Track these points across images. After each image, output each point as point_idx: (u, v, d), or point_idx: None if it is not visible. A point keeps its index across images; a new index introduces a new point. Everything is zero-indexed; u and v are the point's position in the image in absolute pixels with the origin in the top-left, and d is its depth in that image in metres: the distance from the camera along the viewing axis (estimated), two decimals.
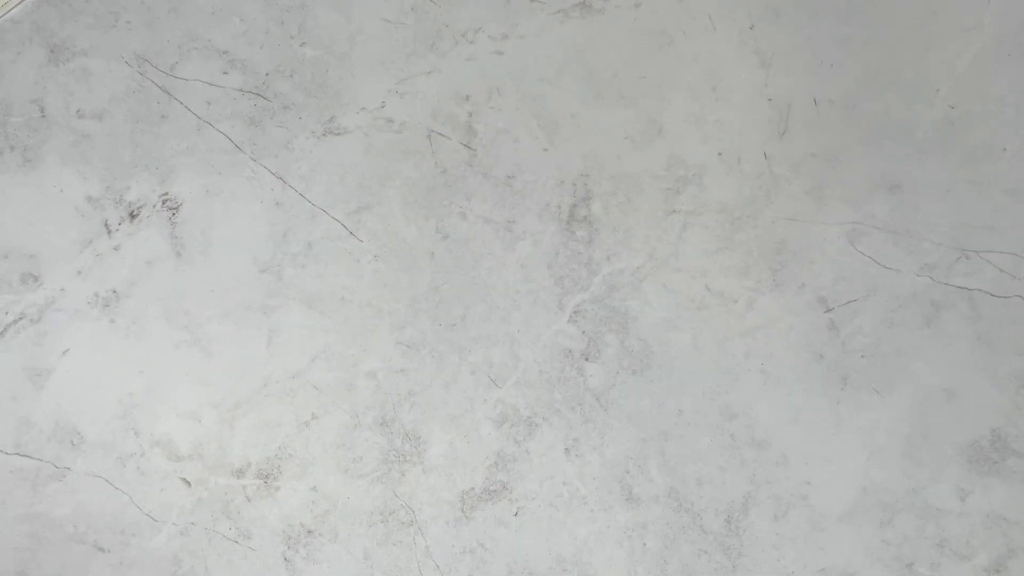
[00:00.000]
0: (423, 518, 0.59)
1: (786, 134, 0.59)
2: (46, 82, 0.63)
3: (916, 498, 0.56)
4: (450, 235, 0.61)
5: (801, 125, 0.59)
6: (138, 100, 0.63)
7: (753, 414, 0.58)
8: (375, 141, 0.62)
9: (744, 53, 0.60)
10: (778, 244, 0.58)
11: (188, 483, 0.61)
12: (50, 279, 0.62)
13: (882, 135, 0.58)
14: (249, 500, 0.60)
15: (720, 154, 0.59)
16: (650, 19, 0.61)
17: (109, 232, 0.63)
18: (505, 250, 0.60)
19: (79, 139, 0.63)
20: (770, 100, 0.59)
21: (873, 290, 0.57)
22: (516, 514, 0.59)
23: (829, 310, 0.58)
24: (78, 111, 0.63)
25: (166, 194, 0.62)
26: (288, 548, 0.60)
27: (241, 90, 0.63)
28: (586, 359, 0.59)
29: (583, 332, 0.59)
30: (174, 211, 0.62)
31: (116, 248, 0.62)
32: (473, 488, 0.59)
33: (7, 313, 0.62)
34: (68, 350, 0.62)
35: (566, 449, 0.59)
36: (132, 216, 0.63)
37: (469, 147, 0.61)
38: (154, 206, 0.63)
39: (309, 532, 0.60)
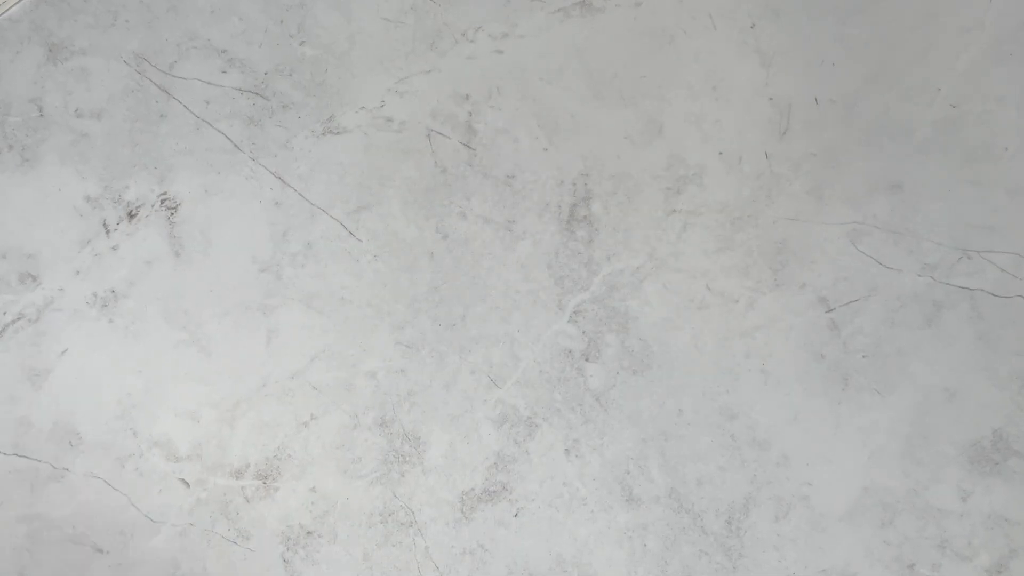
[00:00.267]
0: (423, 519, 0.59)
1: (786, 134, 0.59)
2: (45, 81, 0.63)
3: (917, 498, 0.56)
4: (450, 235, 0.61)
5: (801, 125, 0.59)
6: (137, 99, 0.63)
7: (753, 414, 0.58)
8: (375, 140, 0.62)
9: (744, 53, 0.60)
10: (778, 244, 0.58)
11: (187, 484, 0.61)
12: (49, 279, 0.62)
13: (882, 135, 0.58)
14: (248, 501, 0.60)
15: (720, 154, 0.59)
16: (650, 19, 0.60)
17: (108, 232, 0.62)
18: (505, 250, 0.60)
19: (78, 138, 0.63)
20: (770, 100, 0.59)
21: (874, 290, 0.57)
22: (516, 515, 0.59)
23: (830, 310, 0.58)
24: (77, 110, 0.63)
25: (165, 194, 0.62)
26: (287, 549, 0.60)
27: (240, 89, 0.62)
28: (586, 359, 0.59)
29: (583, 332, 0.59)
30: (173, 211, 0.62)
31: (115, 248, 0.62)
32: (473, 489, 0.59)
33: (5, 313, 0.62)
34: (67, 350, 0.62)
35: (566, 449, 0.59)
36: (131, 216, 0.62)
37: (469, 147, 0.61)
38: (153, 206, 0.62)
39: (308, 533, 0.60)
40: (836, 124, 0.59)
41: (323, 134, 0.62)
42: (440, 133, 0.61)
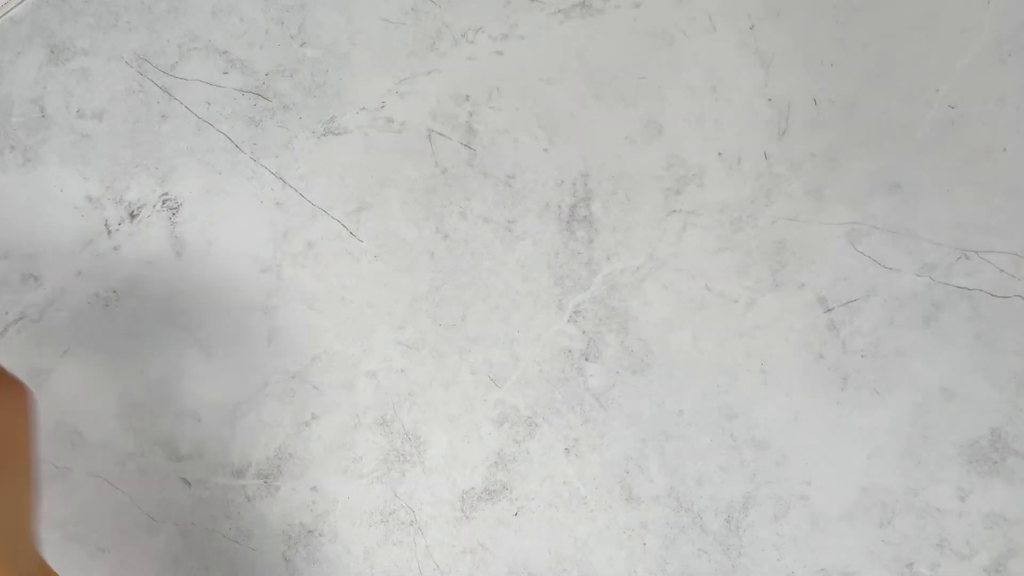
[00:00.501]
0: (423, 518, 0.59)
1: (786, 134, 0.59)
2: (46, 82, 0.63)
3: (916, 498, 0.56)
4: (450, 235, 0.61)
5: (801, 125, 0.59)
6: (138, 100, 0.63)
7: (753, 414, 0.58)
8: (375, 141, 0.62)
9: (744, 53, 0.60)
10: (778, 244, 0.58)
11: (188, 483, 0.61)
12: (50, 279, 0.62)
13: (882, 135, 0.58)
14: (249, 500, 0.60)
15: (720, 154, 0.59)
16: (650, 19, 0.61)
17: (109, 232, 0.63)
18: (505, 250, 0.60)
19: (79, 139, 0.63)
20: (770, 100, 0.59)
21: (873, 290, 0.57)
22: (516, 514, 0.59)
23: (829, 310, 0.58)
24: (78, 111, 0.63)
25: (166, 194, 0.62)
26: (288, 548, 0.60)
27: (241, 90, 0.63)
28: (586, 359, 0.59)
29: (583, 332, 0.59)
30: (174, 211, 0.62)
31: (116, 248, 0.62)
32: (473, 488, 0.59)
33: (7, 313, 0.62)
34: (68, 350, 0.62)
35: (566, 449, 0.59)
36: (132, 216, 0.63)
37: (469, 147, 0.61)
38: (154, 206, 0.63)
39: (309, 532, 0.60)
40: (836, 124, 0.59)
41: (324, 135, 0.62)
42: (440, 133, 0.61)
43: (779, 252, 0.58)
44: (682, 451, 0.58)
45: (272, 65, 0.63)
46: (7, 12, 0.64)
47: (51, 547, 0.61)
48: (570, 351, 0.59)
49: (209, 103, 0.63)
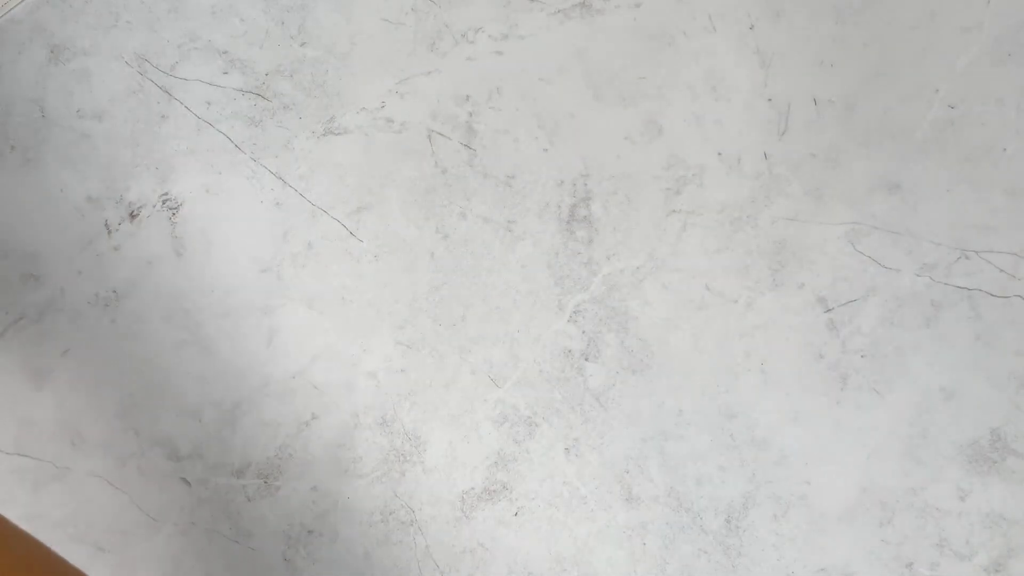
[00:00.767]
0: (423, 518, 0.59)
1: (786, 134, 0.59)
2: (46, 82, 0.63)
3: (916, 498, 0.56)
4: (450, 235, 0.61)
5: (801, 125, 0.59)
6: (138, 100, 0.63)
7: (753, 414, 0.58)
8: (375, 141, 0.62)
9: (744, 53, 0.60)
10: (778, 244, 0.58)
11: (188, 483, 0.61)
12: (50, 279, 0.62)
13: (882, 135, 0.58)
14: (249, 500, 0.60)
15: (720, 154, 0.59)
16: (650, 19, 0.61)
17: (109, 232, 0.63)
18: (505, 250, 0.60)
19: (79, 139, 0.63)
20: (770, 100, 0.59)
21: (873, 290, 0.57)
22: (516, 514, 0.59)
23: (829, 310, 0.58)
24: (78, 111, 0.63)
25: (166, 194, 0.62)
26: (288, 548, 0.60)
27: (241, 90, 0.63)
28: (586, 359, 0.59)
29: (583, 332, 0.59)
30: (174, 211, 0.62)
31: (116, 248, 0.62)
32: (473, 488, 0.59)
33: (7, 313, 0.62)
34: (68, 350, 0.62)
35: (566, 449, 0.59)
36: (132, 216, 0.63)
37: (469, 147, 0.61)
38: (154, 206, 0.63)
39: (309, 532, 0.60)
40: (835, 124, 0.59)
41: (324, 135, 0.62)
42: (440, 134, 0.61)
43: (779, 252, 0.58)
44: (682, 451, 0.58)
45: (272, 65, 0.63)
46: (7, 12, 0.64)
47: (53, 546, 0.61)
48: (570, 351, 0.59)
49: (209, 103, 0.63)
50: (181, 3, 0.63)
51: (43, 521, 0.61)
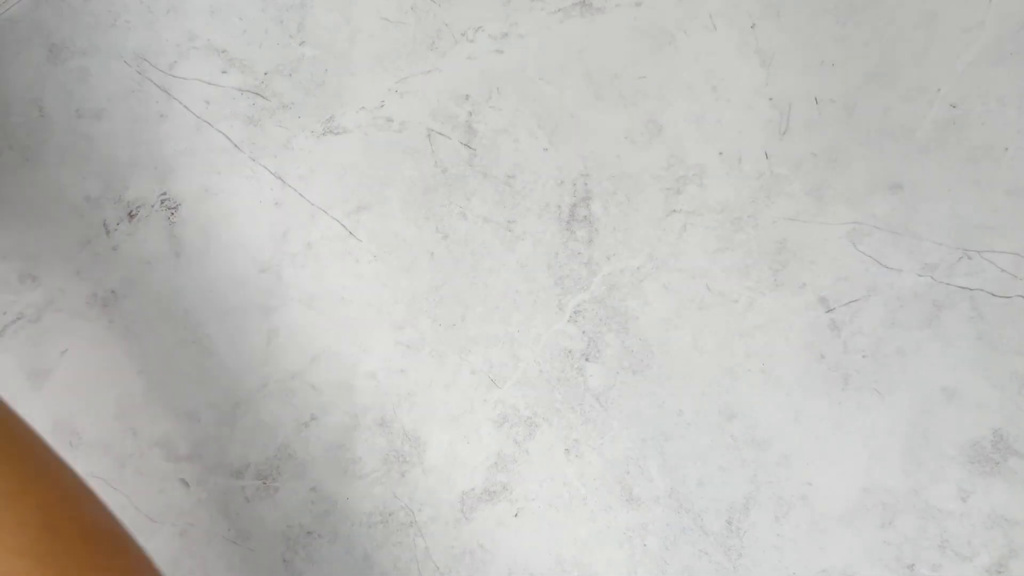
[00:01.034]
0: (423, 519, 0.59)
1: (786, 134, 0.59)
2: (45, 81, 0.63)
3: (917, 498, 0.56)
4: (450, 235, 0.61)
5: (801, 125, 0.59)
6: (137, 99, 0.63)
7: (753, 414, 0.58)
8: (375, 141, 0.62)
9: (744, 53, 0.60)
10: (778, 244, 0.58)
11: (187, 484, 0.61)
12: (49, 279, 0.62)
13: (882, 135, 0.58)
14: (248, 501, 0.60)
15: (720, 154, 0.59)
16: (650, 19, 0.60)
17: (108, 232, 0.62)
18: (505, 250, 0.60)
19: (78, 139, 0.63)
20: (770, 100, 0.59)
21: (874, 290, 0.57)
22: (516, 515, 0.59)
23: (830, 310, 0.57)
24: (77, 111, 0.63)
25: (165, 194, 0.62)
26: (287, 549, 0.60)
27: (240, 89, 0.62)
28: (586, 359, 0.59)
29: (583, 332, 0.59)
30: (173, 211, 0.62)
31: (115, 248, 0.62)
32: (473, 488, 0.59)
33: (5, 313, 0.62)
34: (67, 350, 0.62)
35: (566, 449, 0.59)
36: (131, 216, 0.62)
37: (469, 147, 0.61)
38: (153, 206, 0.62)
39: (308, 533, 0.60)
40: (836, 124, 0.59)
41: (323, 134, 0.62)
42: (440, 133, 0.61)
43: (779, 252, 0.58)
44: (682, 451, 0.58)
45: (271, 64, 0.62)
46: (6, 12, 0.63)
47: None
48: (570, 351, 0.59)
49: (208, 102, 0.63)
50: (180, 3, 0.63)
51: None
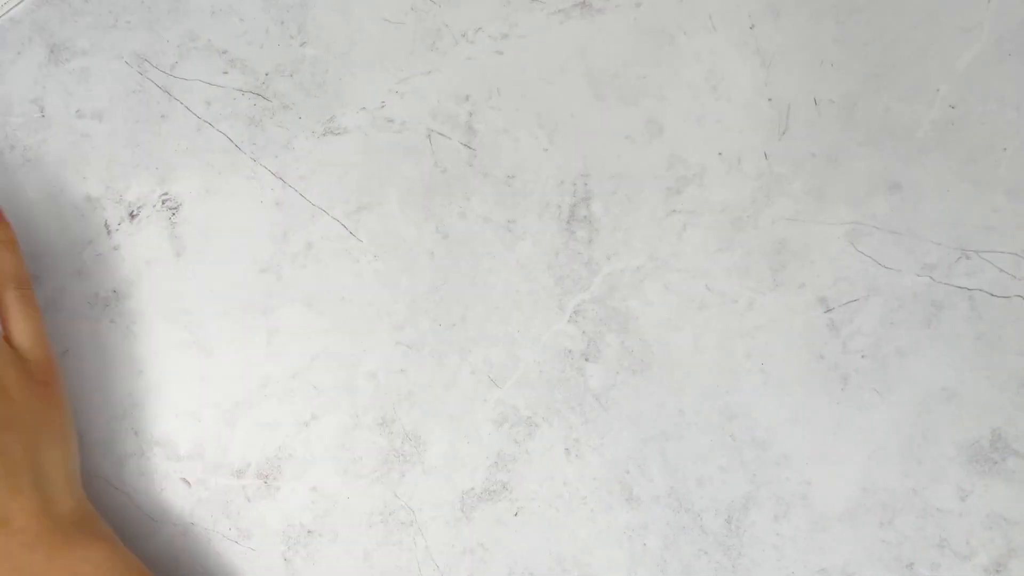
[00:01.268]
0: (423, 518, 0.59)
1: (786, 134, 0.59)
2: (46, 82, 0.63)
3: (916, 498, 0.56)
4: (450, 235, 0.61)
5: (801, 125, 0.59)
6: (138, 100, 0.63)
7: (753, 414, 0.58)
8: (375, 141, 0.62)
9: (744, 53, 0.60)
10: (778, 244, 0.58)
11: (188, 483, 0.61)
12: (50, 279, 0.62)
13: (882, 135, 0.58)
14: (249, 500, 0.60)
15: (720, 154, 0.59)
16: (650, 19, 0.61)
17: (109, 232, 0.63)
18: (505, 250, 0.60)
19: (79, 139, 0.63)
20: (770, 100, 0.59)
21: (873, 290, 0.57)
22: (516, 514, 0.59)
23: (829, 310, 0.58)
24: (78, 111, 0.63)
25: (166, 194, 0.62)
26: (288, 548, 0.60)
27: (241, 90, 0.63)
28: (586, 359, 0.59)
29: (583, 332, 0.59)
30: (174, 211, 0.62)
31: (116, 248, 0.62)
32: (473, 488, 0.59)
33: None
34: (68, 350, 0.62)
35: (566, 449, 0.59)
36: (132, 216, 0.63)
37: (469, 147, 0.61)
38: (154, 206, 0.62)
39: (309, 532, 0.60)
40: (836, 124, 0.59)
41: (324, 134, 0.62)
42: (440, 133, 0.61)
43: (779, 252, 0.58)
44: (682, 451, 0.58)
45: (272, 65, 0.63)
46: (7, 12, 0.64)
47: None
48: (570, 351, 0.59)
49: (209, 103, 0.63)
50: (181, 3, 0.63)
51: None
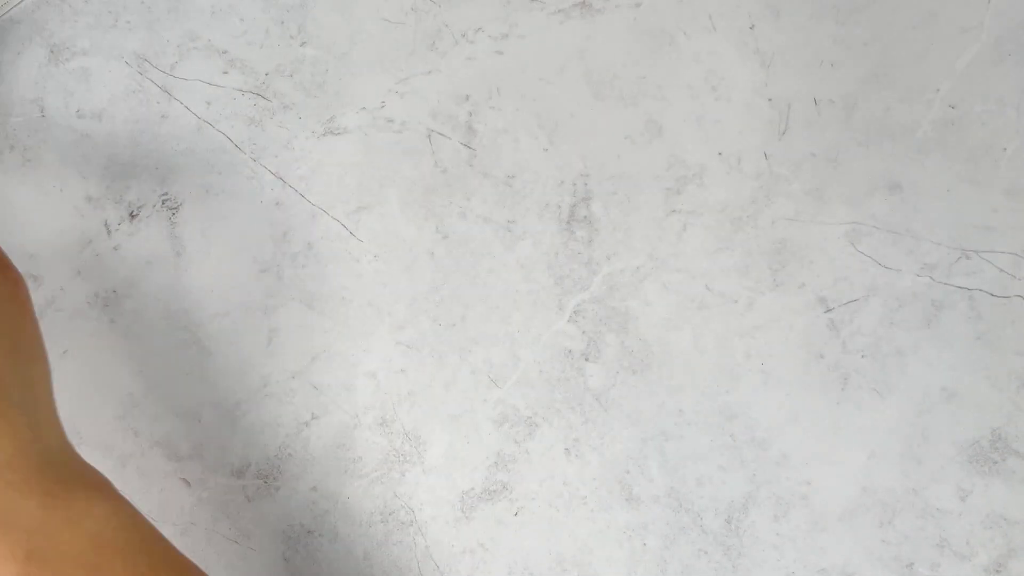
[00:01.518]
0: (423, 518, 0.59)
1: (786, 134, 0.59)
2: (46, 82, 0.63)
3: (916, 498, 0.56)
4: (450, 235, 0.61)
5: (801, 125, 0.59)
6: (138, 100, 0.63)
7: (753, 414, 0.58)
8: (375, 141, 0.62)
9: (744, 53, 0.60)
10: (778, 244, 0.58)
11: (188, 483, 0.61)
12: (50, 279, 0.62)
13: (882, 135, 0.58)
14: (249, 500, 0.60)
15: (720, 154, 0.59)
16: (650, 19, 0.61)
17: (109, 232, 0.63)
18: (505, 250, 0.60)
19: (79, 139, 0.63)
20: (770, 100, 0.59)
21: (873, 290, 0.57)
22: (516, 514, 0.59)
23: (829, 310, 0.58)
24: (78, 111, 0.63)
25: (166, 194, 0.62)
26: (288, 548, 0.60)
27: (241, 90, 0.63)
28: (586, 359, 0.59)
29: (583, 332, 0.59)
30: (174, 211, 0.62)
31: (116, 248, 0.62)
32: (473, 488, 0.59)
33: None
34: (68, 350, 0.62)
35: (566, 449, 0.59)
36: (132, 216, 0.63)
37: (469, 147, 0.61)
38: (154, 206, 0.63)
39: (309, 532, 0.60)
40: (836, 124, 0.59)
41: (324, 135, 0.62)
42: (440, 133, 0.61)
43: (779, 252, 0.58)
44: (682, 451, 0.58)
45: (272, 65, 0.63)
46: (7, 12, 0.64)
47: None
48: (570, 351, 0.59)
49: (209, 103, 0.63)
50: (181, 3, 0.63)
51: None
